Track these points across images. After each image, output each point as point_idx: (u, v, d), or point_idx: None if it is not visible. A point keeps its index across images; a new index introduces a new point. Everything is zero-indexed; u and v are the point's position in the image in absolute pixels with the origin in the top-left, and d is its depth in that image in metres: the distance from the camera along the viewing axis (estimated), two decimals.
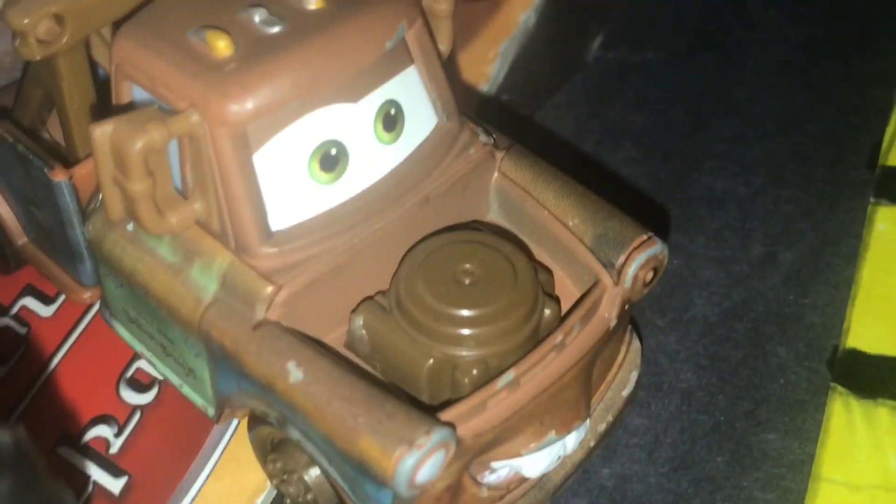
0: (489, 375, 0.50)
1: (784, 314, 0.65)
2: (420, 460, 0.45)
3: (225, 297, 0.51)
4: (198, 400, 0.56)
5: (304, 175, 0.51)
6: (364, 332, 0.52)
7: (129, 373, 0.62)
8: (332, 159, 0.51)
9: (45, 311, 0.65)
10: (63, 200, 0.57)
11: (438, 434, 0.46)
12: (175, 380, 0.57)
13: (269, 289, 0.50)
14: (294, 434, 0.50)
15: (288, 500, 0.55)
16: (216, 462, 0.59)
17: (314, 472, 0.53)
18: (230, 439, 0.60)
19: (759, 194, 0.72)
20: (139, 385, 0.62)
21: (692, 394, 0.61)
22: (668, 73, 0.81)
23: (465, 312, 0.51)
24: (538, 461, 0.52)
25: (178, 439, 0.60)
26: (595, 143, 0.76)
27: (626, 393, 0.58)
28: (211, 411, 0.56)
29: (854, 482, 0.57)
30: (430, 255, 0.53)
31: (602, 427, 0.57)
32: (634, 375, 0.58)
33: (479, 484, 0.52)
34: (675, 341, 0.64)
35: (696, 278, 0.67)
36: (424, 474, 0.46)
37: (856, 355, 0.62)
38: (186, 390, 0.57)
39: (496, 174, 0.57)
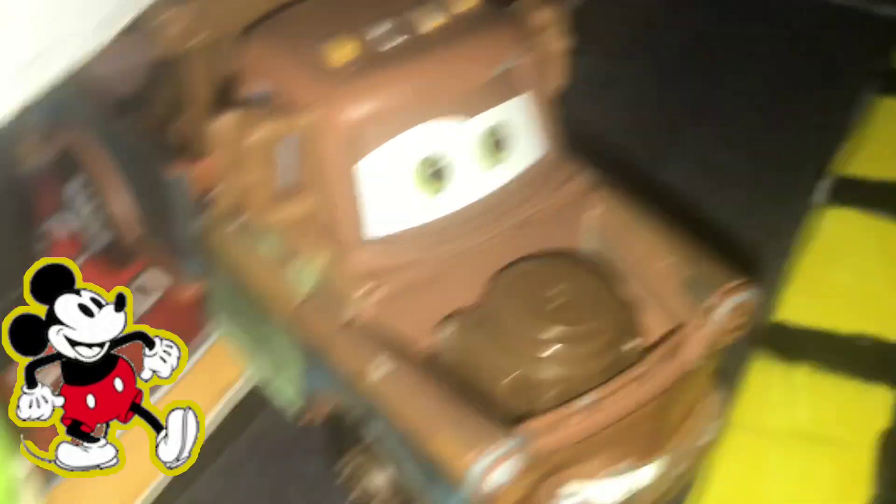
0: (567, 397, 0.51)
1: None
2: (492, 464, 0.46)
3: (320, 293, 0.53)
4: (285, 394, 0.58)
5: (407, 185, 0.53)
6: (450, 344, 0.54)
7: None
8: (436, 173, 0.53)
9: None
10: (178, 195, 0.60)
11: (513, 441, 0.47)
12: (266, 374, 0.59)
13: (362, 290, 0.52)
14: (373, 432, 0.51)
15: (352, 496, 0.56)
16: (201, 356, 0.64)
17: (382, 477, 0.54)
18: (215, 340, 0.64)
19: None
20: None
21: None
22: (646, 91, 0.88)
23: (548, 334, 0.52)
24: (610, 489, 0.53)
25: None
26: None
27: (703, 442, 0.58)
28: (297, 407, 0.57)
29: (763, 427, 0.62)
30: (521, 276, 0.54)
31: (677, 472, 0.57)
32: (714, 426, 0.58)
33: None
34: None
35: None
36: (495, 479, 0.47)
37: (782, 326, 0.68)
38: (276, 385, 0.59)
39: (595, 210, 0.58)
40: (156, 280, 0.67)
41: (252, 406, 0.63)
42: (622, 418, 0.51)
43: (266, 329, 0.57)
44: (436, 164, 0.53)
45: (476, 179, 0.55)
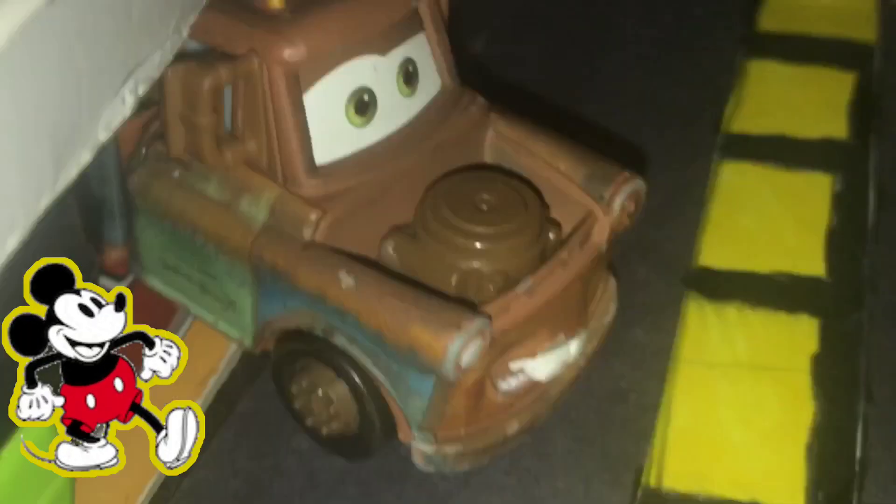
0: (508, 286, 0.58)
1: (644, 243, 0.77)
2: (465, 343, 0.53)
3: (274, 224, 0.58)
4: (234, 332, 0.63)
5: (341, 117, 0.59)
6: (394, 254, 0.60)
7: None
8: (364, 104, 0.59)
9: None
10: (105, 157, 0.63)
11: (480, 320, 0.53)
12: (210, 317, 0.63)
13: (315, 213, 0.57)
14: (340, 341, 0.57)
15: (309, 420, 0.61)
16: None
17: (339, 388, 0.59)
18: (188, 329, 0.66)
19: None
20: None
21: None
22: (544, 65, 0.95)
23: (486, 230, 0.59)
24: (548, 363, 0.60)
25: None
26: None
27: (607, 320, 0.66)
28: (248, 340, 0.62)
29: (708, 361, 0.69)
30: (452, 187, 0.61)
31: (590, 349, 0.65)
32: (613, 307, 0.67)
33: (496, 389, 0.60)
34: None
35: None
36: (468, 357, 0.53)
37: (706, 270, 0.76)
38: (223, 325, 0.63)
39: (491, 130, 0.65)
40: None
41: (236, 388, 0.66)
42: (554, 298, 0.59)
43: (214, 269, 0.61)
44: (363, 97, 0.59)
45: (396, 109, 0.61)
